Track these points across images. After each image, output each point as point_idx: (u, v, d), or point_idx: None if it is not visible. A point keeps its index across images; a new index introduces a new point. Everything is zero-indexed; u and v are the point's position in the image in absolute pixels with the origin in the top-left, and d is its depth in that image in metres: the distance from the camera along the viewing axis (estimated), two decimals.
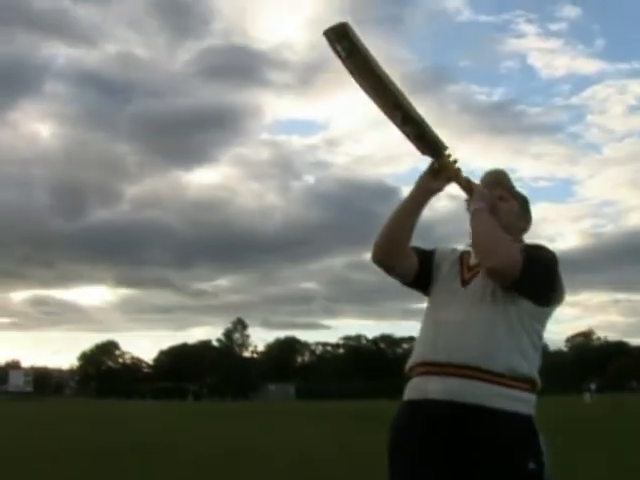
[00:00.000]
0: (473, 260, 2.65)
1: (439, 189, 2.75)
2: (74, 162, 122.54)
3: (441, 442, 2.42)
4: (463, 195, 2.74)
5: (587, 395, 46.09)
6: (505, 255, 2.46)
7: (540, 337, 2.57)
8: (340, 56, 2.59)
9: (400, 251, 2.71)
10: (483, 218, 2.58)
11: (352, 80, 2.65)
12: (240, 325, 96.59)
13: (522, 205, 2.78)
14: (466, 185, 2.73)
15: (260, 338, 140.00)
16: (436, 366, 2.49)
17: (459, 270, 2.66)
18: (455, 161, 2.73)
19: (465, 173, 2.76)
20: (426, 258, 2.75)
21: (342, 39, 2.53)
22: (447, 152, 2.71)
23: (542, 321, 2.58)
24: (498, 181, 2.77)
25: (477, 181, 2.77)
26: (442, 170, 2.72)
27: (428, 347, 2.56)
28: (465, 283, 2.61)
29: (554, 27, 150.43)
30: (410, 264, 2.73)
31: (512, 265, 2.45)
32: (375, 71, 2.60)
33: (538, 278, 2.49)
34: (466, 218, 2.64)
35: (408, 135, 2.70)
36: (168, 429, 20.49)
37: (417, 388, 2.55)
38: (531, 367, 2.49)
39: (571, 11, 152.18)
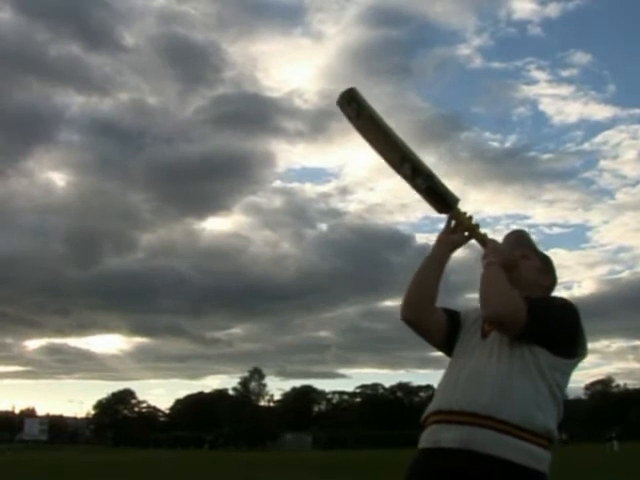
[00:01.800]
0: None
1: (459, 243, 2.82)
2: (88, 210, 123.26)
3: None
4: (477, 245, 2.79)
5: (615, 443, 44.98)
6: (502, 304, 2.48)
7: (561, 389, 2.53)
8: (350, 118, 2.82)
9: (428, 308, 2.74)
10: (491, 271, 2.60)
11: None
12: (257, 374, 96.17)
13: (545, 264, 2.80)
14: (483, 241, 2.78)
15: (276, 387, 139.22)
16: (449, 414, 2.48)
17: (480, 324, 2.66)
18: (470, 217, 2.80)
19: (478, 221, 2.81)
20: (454, 317, 2.78)
21: (351, 102, 2.79)
22: (459, 207, 2.79)
23: (564, 372, 2.55)
24: (520, 241, 2.81)
25: (499, 239, 2.80)
26: (457, 223, 2.80)
27: (443, 396, 2.56)
28: (485, 335, 2.61)
29: (565, 73, 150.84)
30: (439, 323, 2.74)
31: (510, 314, 2.46)
32: (382, 127, 2.79)
33: (549, 328, 2.48)
34: (478, 267, 2.67)
35: (419, 189, 2.79)
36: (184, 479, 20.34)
37: (430, 436, 2.54)
38: (547, 419, 2.45)
39: (582, 57, 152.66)
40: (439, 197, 2.79)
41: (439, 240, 2.81)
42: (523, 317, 2.45)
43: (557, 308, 2.56)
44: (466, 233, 2.81)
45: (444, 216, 2.82)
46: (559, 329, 2.51)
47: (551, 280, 2.81)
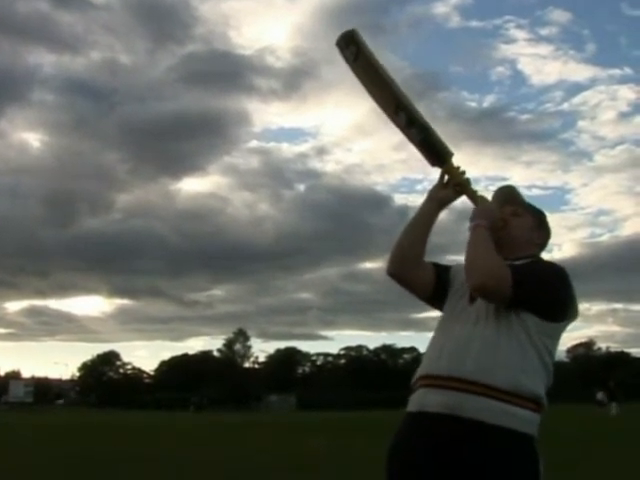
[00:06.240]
0: None
1: (450, 199, 2.76)
2: (63, 170, 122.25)
3: (435, 455, 2.37)
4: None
5: (613, 406, 44.89)
6: (485, 274, 2.41)
7: (550, 354, 2.49)
8: (348, 61, 2.76)
9: (414, 263, 2.70)
10: (476, 235, 2.55)
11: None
12: (241, 336, 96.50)
13: (537, 220, 2.75)
14: (474, 197, 2.73)
15: (258, 348, 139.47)
16: (437, 379, 2.47)
17: (468, 287, 2.59)
18: (463, 172, 2.74)
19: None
20: (443, 272, 2.74)
21: (350, 44, 2.73)
22: (454, 160, 2.73)
23: (552, 337, 2.51)
24: (510, 197, 2.76)
25: (489, 196, 2.76)
26: (450, 178, 2.74)
27: (431, 361, 2.54)
28: (472, 300, 2.56)
29: (544, 32, 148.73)
30: (426, 277, 2.71)
31: (494, 284, 2.40)
32: (380, 73, 2.74)
33: (536, 294, 2.43)
34: (459, 229, 2.63)
35: (413, 139, 2.74)
36: (168, 440, 20.45)
37: (417, 400, 2.53)
38: (536, 384, 2.43)
39: (561, 15, 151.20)
40: (433, 150, 2.73)
41: (429, 195, 2.77)
42: (507, 287, 2.39)
43: (543, 274, 2.50)
44: (458, 188, 2.75)
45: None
46: (546, 296, 2.45)
47: (544, 236, 2.76)
